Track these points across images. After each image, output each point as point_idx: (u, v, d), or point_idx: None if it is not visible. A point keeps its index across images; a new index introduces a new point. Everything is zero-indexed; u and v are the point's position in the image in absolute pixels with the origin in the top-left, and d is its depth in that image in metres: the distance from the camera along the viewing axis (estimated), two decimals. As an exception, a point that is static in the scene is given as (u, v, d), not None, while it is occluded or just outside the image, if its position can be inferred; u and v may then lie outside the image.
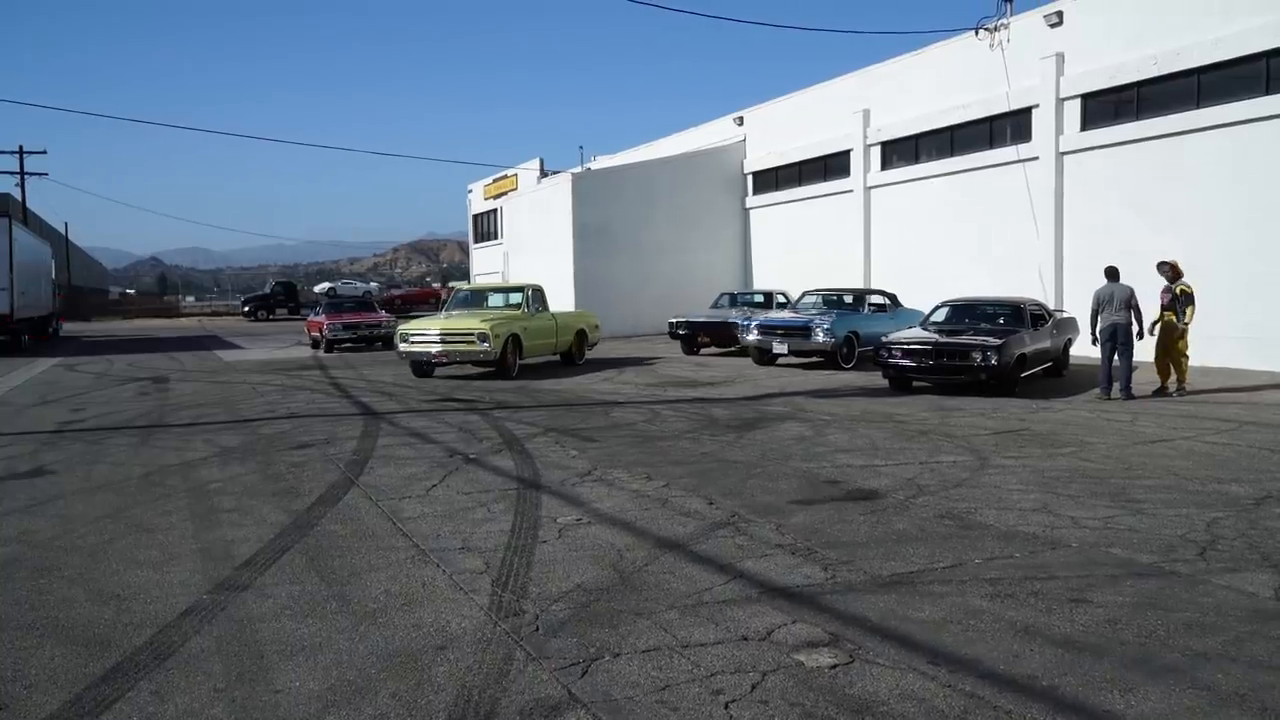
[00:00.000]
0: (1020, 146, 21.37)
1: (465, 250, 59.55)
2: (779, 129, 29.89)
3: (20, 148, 52.17)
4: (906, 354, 14.06)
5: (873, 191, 26.10)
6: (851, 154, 26.59)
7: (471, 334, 17.03)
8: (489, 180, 48.59)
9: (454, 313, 19.04)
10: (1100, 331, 13.48)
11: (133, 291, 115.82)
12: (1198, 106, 17.73)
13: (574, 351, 20.21)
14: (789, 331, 18.53)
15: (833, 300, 20.34)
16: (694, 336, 22.48)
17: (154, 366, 21.97)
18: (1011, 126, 21.78)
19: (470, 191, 51.43)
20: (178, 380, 18.52)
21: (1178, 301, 13.47)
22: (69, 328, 43.06)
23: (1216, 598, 5.04)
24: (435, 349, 17.27)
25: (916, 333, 14.90)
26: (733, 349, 22.31)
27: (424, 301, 58.35)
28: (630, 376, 17.53)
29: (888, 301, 20.49)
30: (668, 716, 3.77)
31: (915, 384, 14.64)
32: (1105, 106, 19.66)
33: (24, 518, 7.30)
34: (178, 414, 13.25)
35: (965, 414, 12.03)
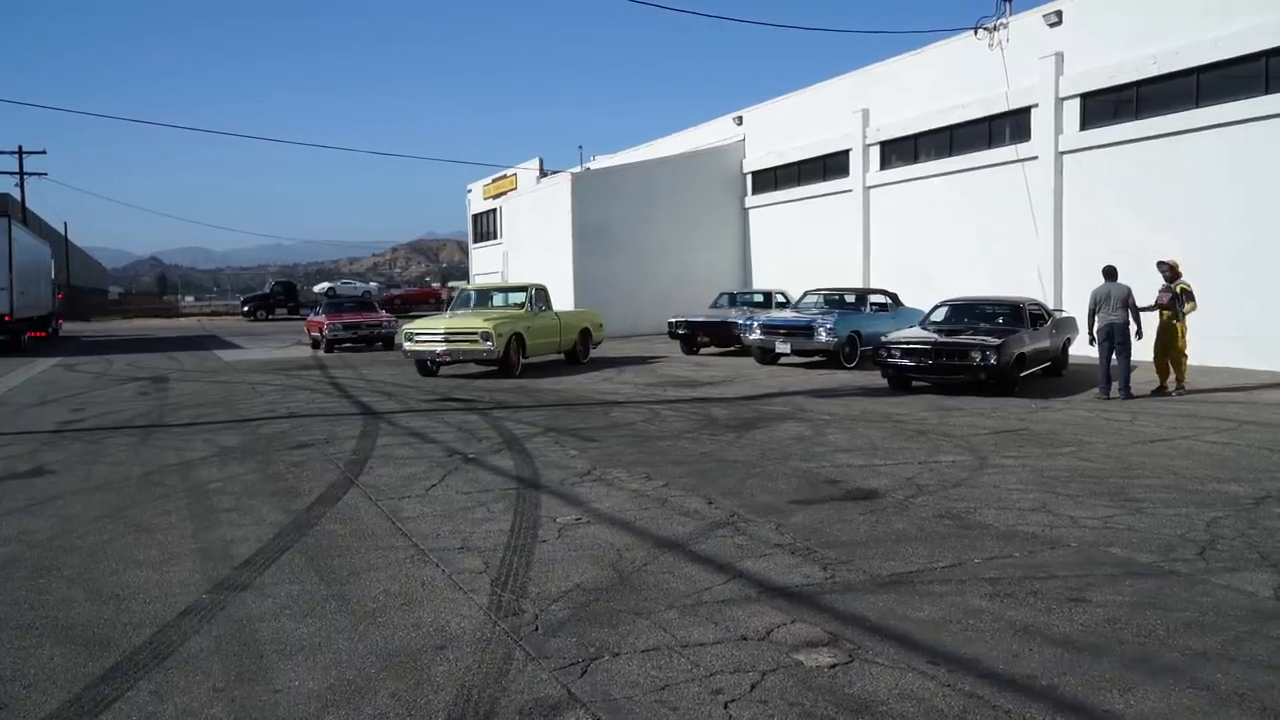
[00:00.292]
0: (1019, 146, 21.37)
1: (465, 250, 59.57)
2: (778, 129, 29.89)
3: (20, 148, 52.15)
4: (906, 354, 14.06)
5: (872, 191, 26.10)
6: (850, 154, 26.59)
7: (475, 333, 17.20)
8: (488, 180, 48.57)
9: (458, 312, 19.23)
10: (1097, 331, 13.48)
11: (121, 290, 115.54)
12: (1196, 106, 17.73)
13: (578, 350, 20.37)
14: (792, 331, 18.56)
15: (835, 300, 20.37)
16: (693, 336, 22.48)
17: (153, 366, 21.96)
18: (1010, 126, 21.78)
19: (470, 191, 51.42)
20: (177, 380, 18.52)
21: (1177, 301, 13.47)
22: (68, 328, 43.05)
23: (1216, 597, 5.04)
24: (440, 348, 17.42)
25: (916, 332, 14.90)
26: (732, 349, 22.32)
27: (423, 301, 58.34)
28: (630, 376, 17.53)
29: (889, 301, 20.50)
30: (667, 716, 3.77)
31: (915, 384, 14.63)
32: (1104, 106, 19.66)
33: (23, 517, 7.29)
34: (177, 414, 13.25)
35: (964, 414, 12.03)
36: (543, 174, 41.14)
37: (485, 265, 46.55)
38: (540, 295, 19.44)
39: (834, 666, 4.20)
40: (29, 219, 49.31)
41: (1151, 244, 16.72)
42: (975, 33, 21.93)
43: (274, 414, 13.01)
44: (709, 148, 32.28)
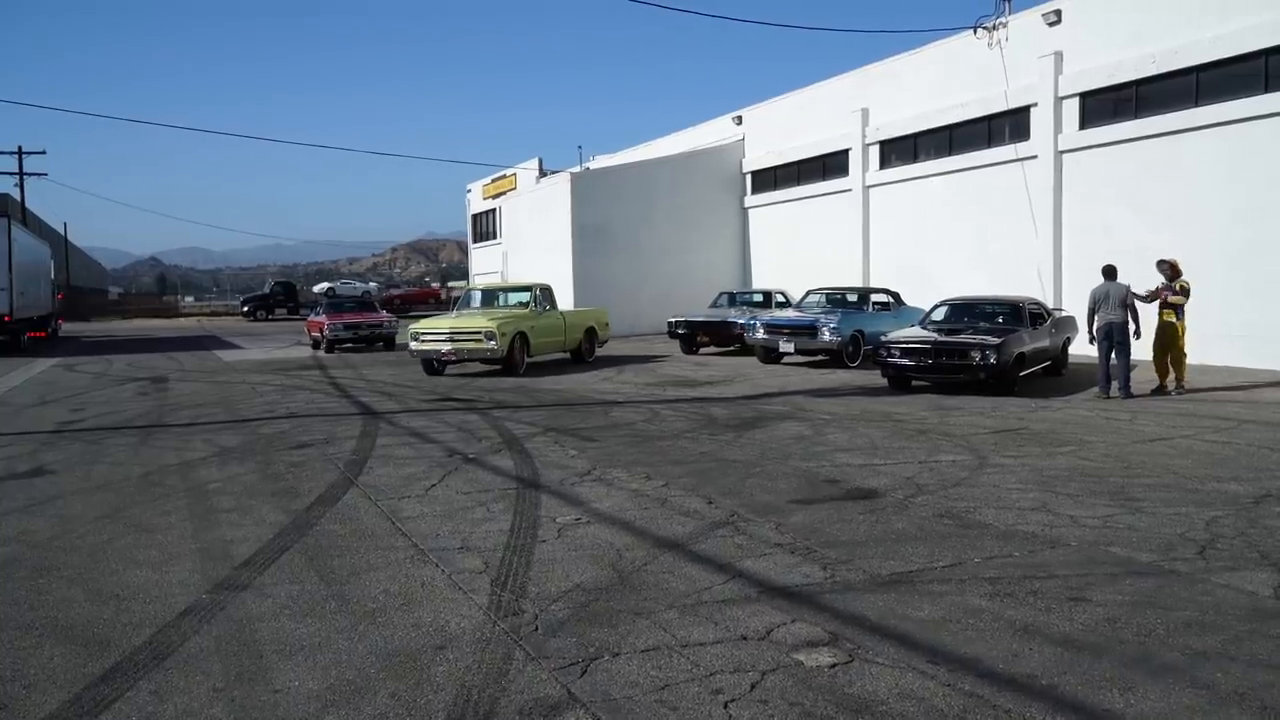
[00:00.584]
0: (1019, 145, 21.36)
1: (464, 250, 59.59)
2: (778, 128, 29.88)
3: (19, 148, 52.14)
4: (905, 353, 14.06)
5: (871, 190, 26.09)
6: (850, 153, 26.57)
7: (479, 332, 17.46)
8: (488, 180, 48.56)
9: (464, 311, 19.53)
10: (1097, 330, 13.48)
11: (120, 290, 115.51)
12: (1195, 105, 17.72)
13: (583, 349, 20.56)
14: (795, 330, 18.63)
15: (837, 299, 20.42)
16: (693, 336, 22.49)
17: (153, 366, 21.96)
18: (1010, 125, 21.77)
19: (469, 191, 51.39)
20: (177, 380, 18.51)
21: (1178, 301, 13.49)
22: (68, 328, 43.03)
23: (1216, 596, 5.04)
24: (445, 347, 17.66)
25: (915, 332, 14.90)
26: (732, 348, 22.32)
27: (423, 301, 58.40)
28: (629, 376, 17.53)
29: (891, 300, 20.52)
30: (667, 716, 3.77)
31: (914, 383, 14.63)
32: (1104, 105, 19.65)
33: (23, 518, 7.29)
34: (177, 414, 13.24)
35: (964, 413, 12.03)
36: (542, 174, 41.13)
37: (485, 265, 46.53)
38: (545, 295, 19.68)
39: (834, 666, 4.19)
40: (28, 219, 49.30)
41: (1151, 243, 16.72)
42: (974, 32, 21.92)
43: (274, 414, 13.01)
44: (708, 147, 32.27)
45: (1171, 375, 13.79)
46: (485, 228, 48.40)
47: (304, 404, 14.06)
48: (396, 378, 17.83)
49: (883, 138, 25.57)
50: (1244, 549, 5.88)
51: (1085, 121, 20.01)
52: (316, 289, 64.24)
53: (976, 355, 13.38)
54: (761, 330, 19.20)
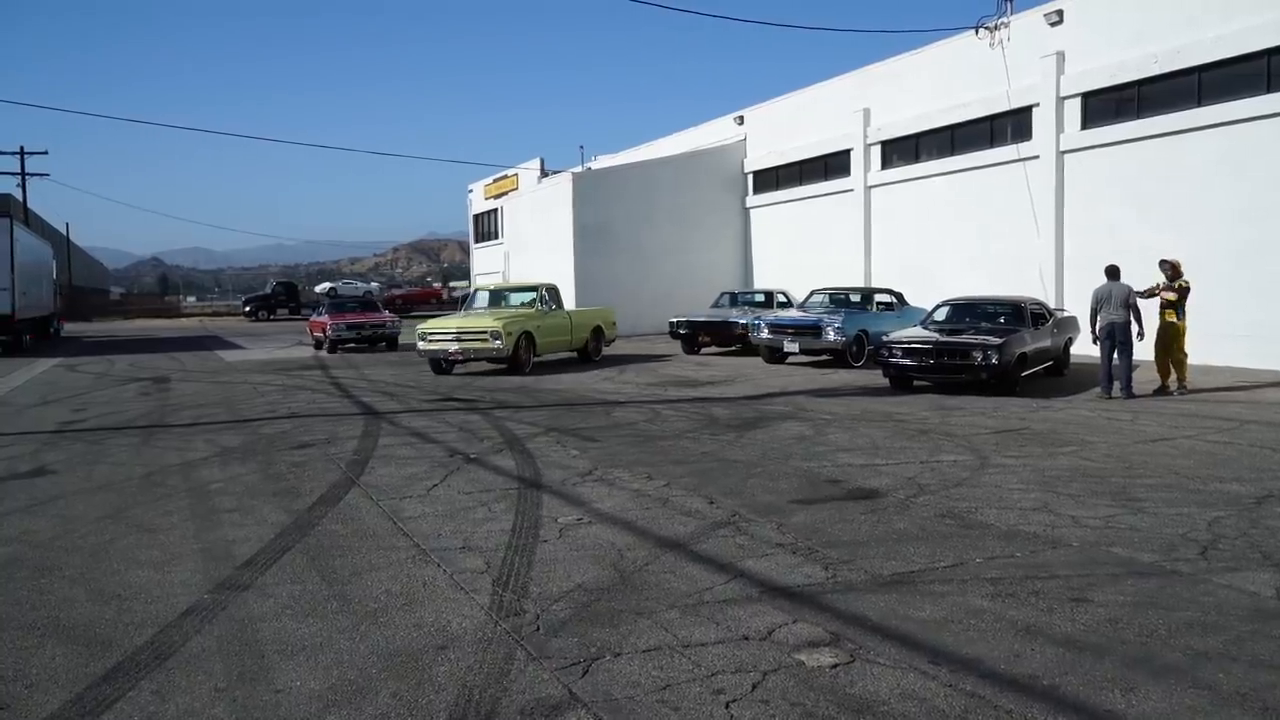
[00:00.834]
0: (1020, 145, 21.33)
1: (466, 250, 59.59)
2: (779, 128, 29.86)
3: (21, 148, 52.29)
4: (907, 353, 14.05)
5: (873, 190, 26.08)
6: (852, 153, 26.56)
7: (485, 332, 17.71)
8: (489, 180, 48.59)
9: (471, 311, 19.86)
10: (1099, 330, 13.47)
11: (122, 291, 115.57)
12: (1199, 105, 17.69)
13: (590, 348, 20.74)
14: (800, 330, 18.69)
15: (841, 299, 20.49)
16: (695, 336, 22.48)
17: (155, 366, 21.98)
18: (1012, 125, 21.74)
19: (471, 191, 51.42)
20: (179, 380, 18.53)
21: (1179, 301, 13.47)
22: (70, 328, 43.09)
23: (1218, 597, 5.03)
24: (452, 347, 17.89)
25: (917, 332, 14.90)
26: (733, 348, 22.33)
27: (424, 301, 58.41)
28: (631, 376, 17.54)
29: (895, 300, 20.55)
30: (669, 716, 3.77)
31: (916, 383, 14.62)
32: (1106, 105, 19.63)
33: (25, 518, 7.30)
34: (179, 414, 13.26)
35: (966, 413, 12.02)
36: (544, 174, 41.16)
37: (487, 265, 46.55)
38: (551, 295, 20.00)
39: (835, 666, 4.19)
40: (30, 219, 49.38)
41: (1153, 243, 16.70)
42: (976, 32, 21.90)
43: (275, 414, 13.02)
44: (710, 147, 32.26)
45: (1173, 375, 13.77)
46: (487, 228, 48.42)
47: (306, 404, 14.07)
48: (398, 378, 17.85)
49: (885, 138, 25.55)
50: (1246, 549, 5.88)
51: (1087, 121, 19.99)
52: (318, 289, 64.27)
53: (978, 355, 13.37)
54: (766, 330, 19.27)
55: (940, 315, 15.78)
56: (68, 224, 70.38)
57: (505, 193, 43.56)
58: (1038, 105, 20.81)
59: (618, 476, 8.33)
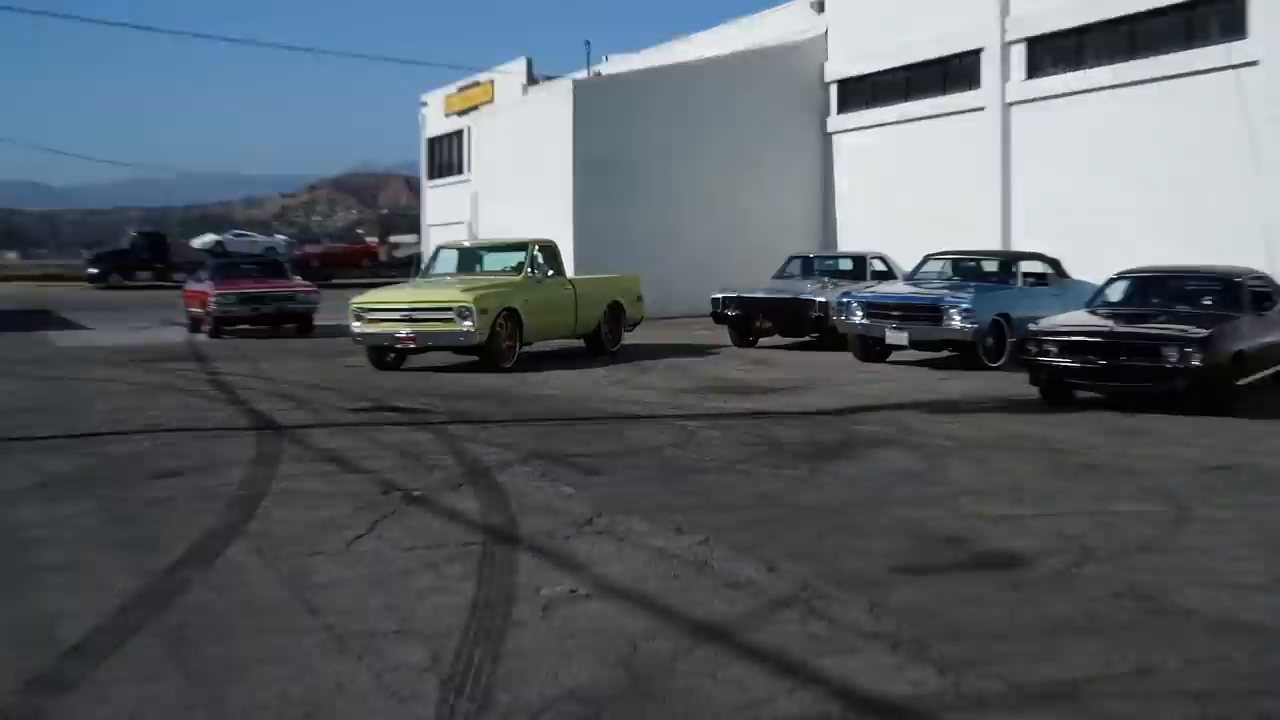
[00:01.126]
0: (1245, 44, 21.13)
1: (415, 189, 59.92)
2: (876, 19, 29.99)
3: None
4: (1066, 349, 13.98)
5: (1014, 110, 26.13)
6: (983, 55, 26.68)
7: (449, 309, 17.60)
8: (453, 89, 48.91)
9: (429, 279, 19.90)
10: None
11: None
12: None
13: (603, 335, 20.75)
14: (909, 313, 18.82)
15: (969, 269, 20.68)
16: (750, 320, 22.58)
17: (-43, 354, 22.14)
18: (1228, 18, 21.54)
19: (425, 105, 51.83)
20: (-9, 374, 18.63)
21: None
22: None
23: None
24: (403, 331, 17.83)
25: (1081, 318, 14.92)
26: (807, 338, 22.43)
27: (354, 263, 58.70)
28: (654, 378, 17.61)
29: (1050, 271, 20.56)
30: None
31: (1079, 394, 14.61)
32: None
33: None
34: (-12, 424, 13.30)
35: (1155, 440, 11.98)
36: (531, 81, 41.37)
37: (445, 212, 46.81)
38: (547, 256, 19.93)
39: (960, 826, 4.07)
40: None
41: None
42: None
43: (127, 427, 13.06)
44: (774, 45, 32.42)
45: None
46: (446, 157, 48.75)
47: (173, 413, 14.14)
48: (313, 375, 17.96)
49: (1032, 33, 25.56)
50: None
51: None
52: (197, 242, 64.66)
53: (1173, 354, 13.25)
54: (859, 313, 19.30)
55: (1116, 294, 15.77)
56: None
57: (475, 107, 43.84)
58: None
59: (631, 528, 8.29)
